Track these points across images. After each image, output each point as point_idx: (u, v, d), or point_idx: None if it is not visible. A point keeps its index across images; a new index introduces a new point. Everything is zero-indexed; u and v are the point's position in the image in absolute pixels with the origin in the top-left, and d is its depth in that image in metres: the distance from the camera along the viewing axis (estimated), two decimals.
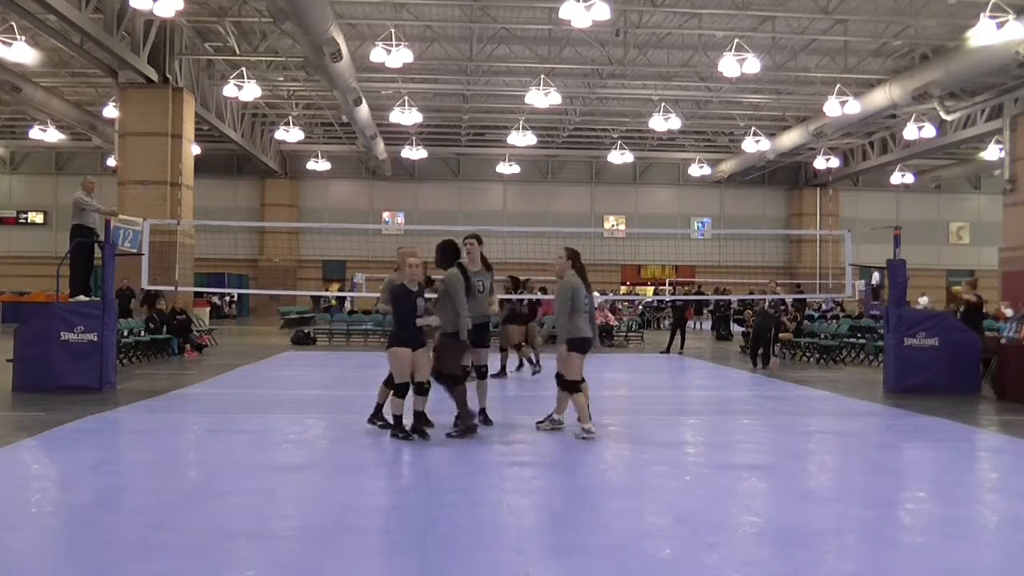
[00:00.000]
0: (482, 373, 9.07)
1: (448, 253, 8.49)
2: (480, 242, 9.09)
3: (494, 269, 9.26)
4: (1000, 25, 17.89)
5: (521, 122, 29.98)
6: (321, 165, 37.13)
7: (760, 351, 16.62)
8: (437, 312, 8.32)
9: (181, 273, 21.15)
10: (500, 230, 29.96)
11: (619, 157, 33.79)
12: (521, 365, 15.13)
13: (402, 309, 8.04)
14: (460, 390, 8.26)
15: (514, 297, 14.87)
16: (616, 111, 31.71)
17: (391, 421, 8.19)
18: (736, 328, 27.54)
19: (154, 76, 22.47)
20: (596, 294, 13.97)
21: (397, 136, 34.69)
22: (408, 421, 8.16)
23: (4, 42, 20.29)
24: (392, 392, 8.18)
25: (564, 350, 8.43)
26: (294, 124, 30.70)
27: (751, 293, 27.16)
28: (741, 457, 7.98)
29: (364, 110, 27.63)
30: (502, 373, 14.14)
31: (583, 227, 38.52)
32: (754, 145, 31.56)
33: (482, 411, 9.05)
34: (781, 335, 17.93)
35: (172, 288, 18.30)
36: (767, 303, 17.33)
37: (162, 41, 22.64)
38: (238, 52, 23.33)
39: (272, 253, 39.29)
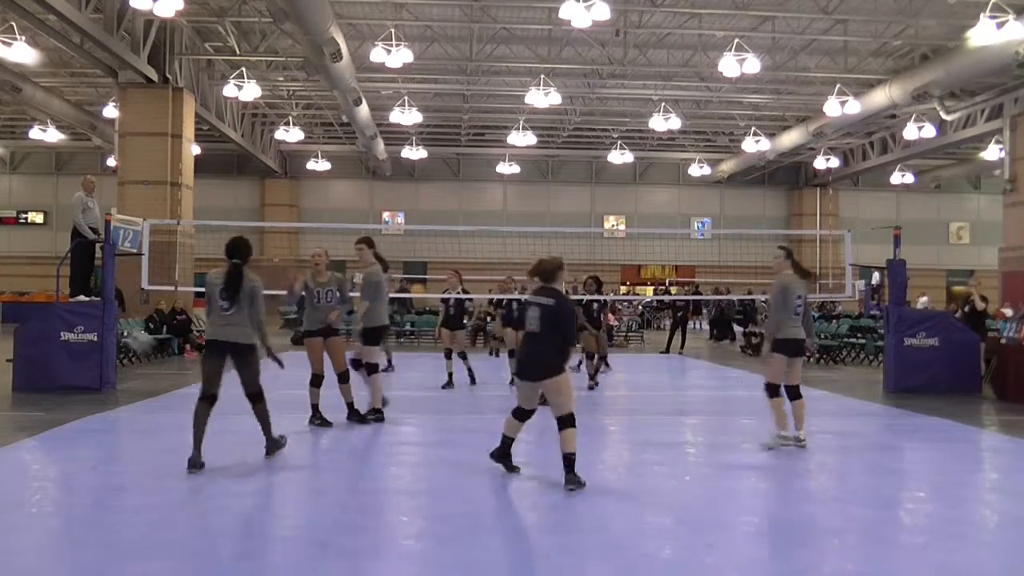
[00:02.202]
0: (369, 368, 9.15)
1: (240, 250, 7.82)
2: (370, 244, 9.22)
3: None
4: (1000, 25, 17.86)
5: (521, 122, 29.93)
6: (321, 165, 37.07)
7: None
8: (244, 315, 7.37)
9: (181, 273, 21.12)
10: (500, 230, 29.90)
11: (619, 157, 33.74)
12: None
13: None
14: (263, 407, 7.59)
15: (597, 298, 13.59)
16: (616, 111, 31.66)
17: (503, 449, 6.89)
18: (737, 328, 27.45)
19: (154, 76, 22.44)
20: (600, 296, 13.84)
21: (397, 136, 34.64)
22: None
23: (4, 42, 20.24)
24: (513, 413, 6.92)
25: (768, 350, 8.02)
26: (294, 124, 30.65)
27: (749, 293, 27.11)
28: (741, 457, 7.98)
29: (364, 110, 27.61)
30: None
31: (583, 227, 38.47)
32: (754, 145, 31.51)
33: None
34: None
35: (172, 288, 18.29)
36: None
37: (162, 41, 22.60)
38: (238, 52, 23.29)
39: (272, 253, 39.20)
